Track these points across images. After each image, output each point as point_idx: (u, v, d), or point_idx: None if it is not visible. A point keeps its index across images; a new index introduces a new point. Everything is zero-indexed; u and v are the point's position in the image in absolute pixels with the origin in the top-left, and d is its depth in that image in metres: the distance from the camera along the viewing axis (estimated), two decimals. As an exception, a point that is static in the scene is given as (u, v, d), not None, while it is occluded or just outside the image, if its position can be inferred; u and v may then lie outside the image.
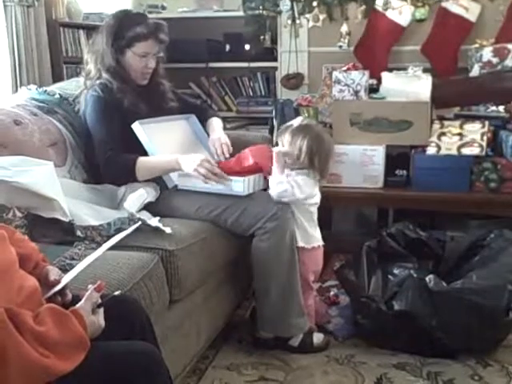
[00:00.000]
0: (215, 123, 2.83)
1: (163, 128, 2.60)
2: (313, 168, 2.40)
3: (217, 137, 2.71)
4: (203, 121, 2.84)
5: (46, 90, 2.73)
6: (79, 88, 2.69)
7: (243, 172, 2.40)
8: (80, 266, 1.55)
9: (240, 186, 2.36)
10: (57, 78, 3.62)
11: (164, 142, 2.55)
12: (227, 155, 2.64)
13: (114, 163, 2.42)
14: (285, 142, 2.43)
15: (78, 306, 1.40)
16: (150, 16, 2.63)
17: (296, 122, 2.48)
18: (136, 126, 2.46)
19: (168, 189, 2.50)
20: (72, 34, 3.87)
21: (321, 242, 2.50)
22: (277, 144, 2.56)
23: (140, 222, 2.04)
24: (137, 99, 2.55)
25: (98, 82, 2.54)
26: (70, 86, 2.85)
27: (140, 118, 2.49)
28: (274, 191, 2.38)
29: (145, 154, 2.46)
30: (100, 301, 1.45)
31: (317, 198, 2.48)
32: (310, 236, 2.46)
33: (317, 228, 2.50)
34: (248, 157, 2.47)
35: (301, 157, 2.39)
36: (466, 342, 2.38)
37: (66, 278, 1.54)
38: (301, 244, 2.42)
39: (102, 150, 2.45)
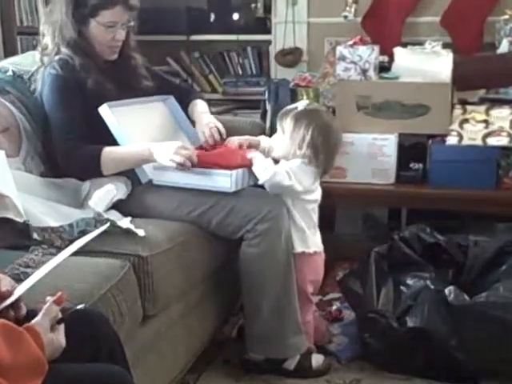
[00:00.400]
0: (200, 106, 2.83)
1: (136, 111, 2.60)
2: (316, 161, 2.41)
3: (206, 122, 2.71)
4: (184, 104, 2.84)
5: (-4, 66, 2.73)
6: (36, 64, 2.68)
7: (228, 168, 2.40)
8: (37, 275, 1.55)
9: (227, 180, 2.36)
10: (9, 51, 3.62)
11: (137, 128, 2.56)
12: (217, 138, 2.64)
13: (74, 155, 2.42)
14: (286, 128, 2.44)
15: (33, 321, 1.40)
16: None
17: (301, 105, 2.48)
18: (104, 110, 2.46)
19: (141, 184, 2.50)
20: (28, 0, 3.86)
21: (321, 248, 2.51)
22: (272, 131, 2.57)
23: (108, 224, 2.04)
24: (103, 77, 2.54)
25: (56, 57, 2.53)
26: (24, 61, 2.84)
27: (108, 99, 2.48)
28: (263, 178, 2.37)
29: (114, 143, 2.46)
30: (60, 315, 1.44)
31: (317, 194, 2.49)
32: (309, 239, 2.46)
33: (317, 231, 2.51)
34: (241, 155, 2.46)
35: (302, 147, 2.39)
36: (491, 365, 2.40)
37: (20, 289, 1.53)
38: (299, 249, 2.43)
39: (60, 138, 2.45)
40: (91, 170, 2.42)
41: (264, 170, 2.38)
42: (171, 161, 2.34)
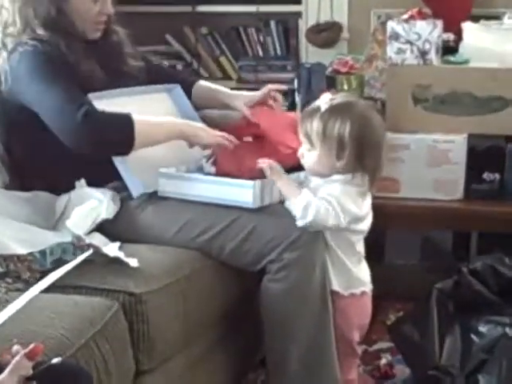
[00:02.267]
0: (211, 85, 2.94)
1: (131, 104, 2.60)
2: (362, 170, 2.37)
3: (242, 95, 2.85)
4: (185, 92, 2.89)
5: None
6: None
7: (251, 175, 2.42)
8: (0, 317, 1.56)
9: (248, 193, 2.36)
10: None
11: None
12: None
13: (97, 119, 2.39)
14: (314, 138, 2.39)
15: (-3, 378, 1.40)
16: None
17: (323, 102, 2.40)
18: None
19: (133, 199, 2.51)
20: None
21: (368, 286, 2.49)
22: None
23: (91, 250, 2.04)
24: (91, 61, 2.58)
25: (25, 36, 2.54)
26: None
27: (98, 89, 2.51)
28: (303, 221, 2.32)
29: None
30: (31, 372, 1.45)
31: (366, 224, 2.43)
32: (352, 277, 2.44)
33: (361, 263, 2.48)
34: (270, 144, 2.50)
35: (343, 156, 2.35)
36: None
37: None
38: (336, 288, 2.42)
39: (67, 109, 2.40)
40: (123, 137, 2.41)
41: (302, 211, 2.31)
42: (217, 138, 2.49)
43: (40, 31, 2.55)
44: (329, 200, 2.31)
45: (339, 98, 2.44)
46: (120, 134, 2.41)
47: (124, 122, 2.41)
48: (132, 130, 2.39)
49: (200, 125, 2.58)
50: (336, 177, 2.36)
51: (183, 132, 2.49)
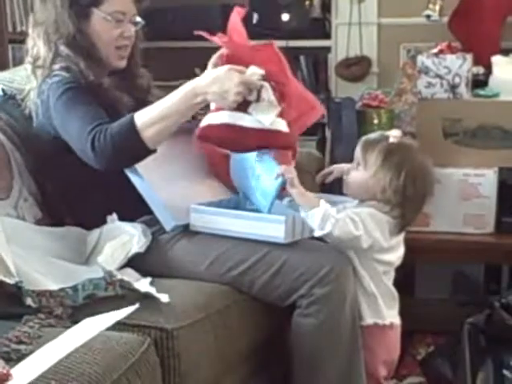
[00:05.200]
0: None
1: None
2: (400, 211, 2.37)
3: None
4: None
5: (-18, 84, 2.78)
6: (30, 82, 2.71)
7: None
8: (45, 362, 1.55)
9: (280, 228, 2.35)
10: (-1, 64, 3.69)
11: (161, 168, 2.57)
12: None
13: (103, 138, 2.36)
14: (370, 163, 2.39)
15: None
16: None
17: (393, 135, 2.43)
18: None
19: (164, 233, 2.52)
20: (22, 1, 3.94)
21: (396, 319, 2.47)
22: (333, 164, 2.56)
23: (137, 305, 2.01)
24: (118, 89, 2.61)
25: (56, 66, 2.56)
26: (17, 77, 2.89)
27: (123, 113, 2.50)
28: (322, 230, 2.30)
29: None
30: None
31: (393, 256, 2.44)
32: (379, 307, 2.42)
33: (390, 295, 2.47)
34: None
35: (387, 191, 2.36)
36: None
37: (25, 378, 1.54)
38: (369, 320, 2.41)
39: (83, 135, 2.41)
40: (131, 146, 2.37)
41: (323, 219, 2.31)
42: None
43: (63, 48, 2.56)
44: (352, 217, 2.31)
45: (408, 139, 2.50)
46: (128, 148, 2.38)
47: (129, 132, 2.36)
48: (137, 135, 2.35)
49: (211, 76, 2.49)
50: (371, 202, 2.38)
51: (194, 101, 2.42)
